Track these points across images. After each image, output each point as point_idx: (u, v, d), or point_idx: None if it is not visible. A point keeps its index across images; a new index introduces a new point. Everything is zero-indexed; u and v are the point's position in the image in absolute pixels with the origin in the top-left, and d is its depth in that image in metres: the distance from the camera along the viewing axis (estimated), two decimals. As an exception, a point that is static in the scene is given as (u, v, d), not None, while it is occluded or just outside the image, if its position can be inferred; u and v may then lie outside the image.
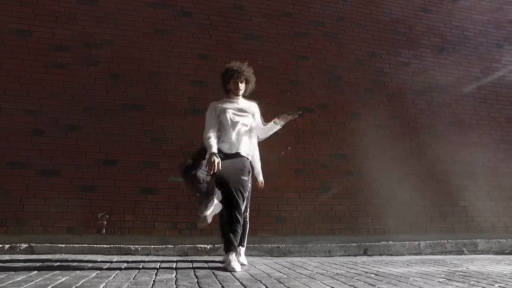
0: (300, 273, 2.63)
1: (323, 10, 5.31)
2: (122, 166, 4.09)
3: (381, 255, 4.35)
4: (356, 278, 2.43)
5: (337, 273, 2.65)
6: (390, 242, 4.51)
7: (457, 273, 2.69)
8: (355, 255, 4.28)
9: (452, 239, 4.73)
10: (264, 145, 4.40)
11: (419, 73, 5.46)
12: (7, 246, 3.60)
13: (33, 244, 3.65)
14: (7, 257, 3.33)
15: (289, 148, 4.66)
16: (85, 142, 4.07)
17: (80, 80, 4.23)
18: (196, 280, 2.28)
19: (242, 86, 3.11)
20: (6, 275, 2.31)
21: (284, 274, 2.61)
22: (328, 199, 4.59)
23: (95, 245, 3.72)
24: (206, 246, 3.96)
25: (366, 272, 2.71)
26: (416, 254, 4.45)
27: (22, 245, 3.63)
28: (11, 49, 4.18)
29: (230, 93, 3.15)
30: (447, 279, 2.42)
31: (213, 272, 2.61)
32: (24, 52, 4.19)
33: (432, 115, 5.32)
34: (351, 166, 4.79)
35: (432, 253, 4.50)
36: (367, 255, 4.30)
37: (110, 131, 4.16)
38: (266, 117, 4.67)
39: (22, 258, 3.22)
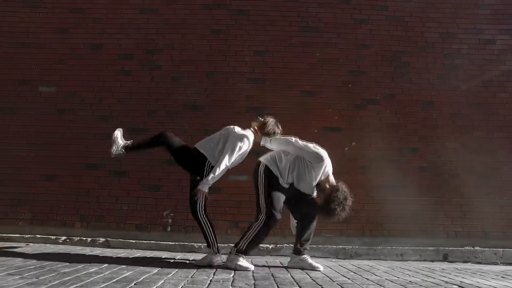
0: (367, 279, 2.39)
1: (385, -8, 4.87)
2: (185, 166, 4.21)
3: (465, 262, 3.82)
4: (434, 288, 2.12)
5: (410, 281, 2.34)
6: (477, 248, 3.94)
7: None
8: (432, 261, 3.82)
9: (562, 247, 3.94)
10: (326, 141, 4.16)
11: (508, 50, 4.69)
12: (89, 239, 3.95)
13: (109, 239, 3.95)
14: (88, 249, 3.66)
15: (354, 143, 4.36)
16: (150, 143, 4.28)
17: (144, 84, 4.48)
18: (253, 281, 2.19)
19: None
20: (83, 265, 2.52)
21: (349, 278, 2.40)
22: (399, 198, 4.17)
23: (161, 242, 3.89)
24: (268, 246, 3.88)
25: (446, 282, 2.35)
26: (512, 263, 3.80)
27: (100, 239, 3.95)
28: (87, 61, 4.59)
29: (319, 188, 2.95)
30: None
31: (272, 274, 2.51)
32: (96, 63, 4.57)
33: (528, 100, 4.53)
34: (424, 161, 4.30)
35: (534, 263, 3.81)
36: (448, 261, 3.81)
37: (172, 132, 4.29)
38: (328, 111, 4.46)
39: (99, 251, 3.50)
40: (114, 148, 3.05)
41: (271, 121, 3.05)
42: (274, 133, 3.00)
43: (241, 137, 2.85)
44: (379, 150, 4.36)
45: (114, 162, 4.22)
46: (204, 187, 2.72)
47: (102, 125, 4.34)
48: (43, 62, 4.58)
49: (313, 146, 2.80)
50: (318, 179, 2.84)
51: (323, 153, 2.79)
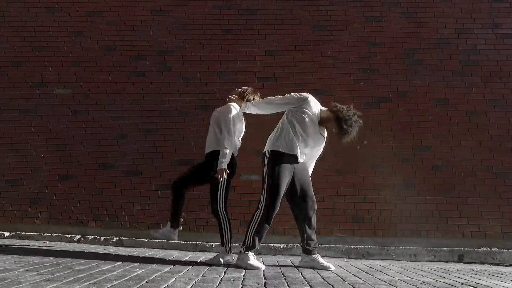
0: (379, 279, 2.36)
1: (398, -11, 4.79)
2: (196, 165, 4.25)
3: (482, 263, 3.72)
4: (447, 289, 2.07)
5: (423, 282, 2.30)
6: (494, 249, 3.83)
7: None
8: (447, 262, 3.74)
9: None
10: (337, 140, 4.13)
11: (527, 45, 4.55)
12: (102, 238, 4.02)
13: (122, 238, 4.02)
14: (101, 248, 3.72)
15: (365, 142, 4.30)
16: (162, 143, 4.35)
17: (156, 85, 4.55)
18: (263, 280, 2.19)
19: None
20: (97, 263, 2.56)
21: (360, 278, 2.37)
22: (411, 197, 4.11)
23: (173, 241, 3.92)
24: (279, 245, 3.87)
25: (461, 284, 2.30)
26: (532, 264, 3.68)
27: (114, 238, 4.02)
28: (101, 63, 4.68)
29: (323, 123, 2.89)
30: None
31: (282, 273, 2.50)
32: (110, 65, 4.66)
33: (547, 96, 4.38)
34: (438, 159, 4.22)
35: (554, 265, 3.69)
36: (463, 262, 3.72)
37: (184, 132, 4.37)
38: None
39: (112, 250, 3.56)
40: (171, 236, 3.10)
41: (249, 89, 3.08)
42: (252, 100, 3.03)
43: (226, 109, 2.88)
44: (391, 148, 4.30)
45: (127, 162, 4.31)
46: (221, 165, 2.73)
47: (116, 126, 4.43)
48: (59, 65, 4.71)
49: (293, 93, 2.86)
50: (318, 118, 2.83)
51: (304, 92, 2.86)
